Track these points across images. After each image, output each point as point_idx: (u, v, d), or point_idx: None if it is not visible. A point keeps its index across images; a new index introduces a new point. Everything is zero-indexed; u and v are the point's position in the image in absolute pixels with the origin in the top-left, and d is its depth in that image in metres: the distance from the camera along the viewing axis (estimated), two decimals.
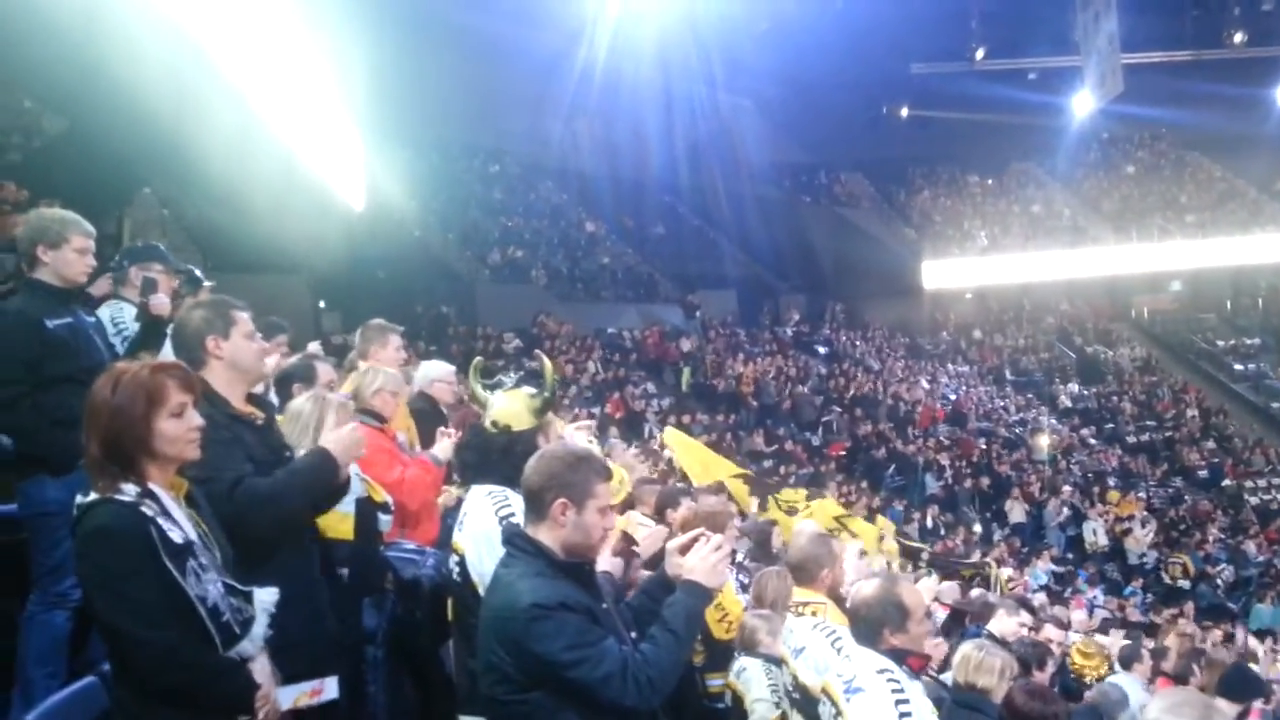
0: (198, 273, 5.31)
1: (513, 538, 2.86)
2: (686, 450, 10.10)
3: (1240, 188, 34.38)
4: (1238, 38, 31.80)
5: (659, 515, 6.18)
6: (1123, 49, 26.83)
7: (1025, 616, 6.99)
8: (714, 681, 4.78)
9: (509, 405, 3.59)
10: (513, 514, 3.19)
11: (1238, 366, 29.90)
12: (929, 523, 17.88)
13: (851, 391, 24.39)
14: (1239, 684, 6.10)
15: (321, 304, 19.74)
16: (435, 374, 5.80)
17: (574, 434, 4.45)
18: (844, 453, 20.84)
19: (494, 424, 3.53)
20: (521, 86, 25.13)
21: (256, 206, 15.86)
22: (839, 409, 23.25)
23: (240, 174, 14.52)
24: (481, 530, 3.28)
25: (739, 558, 5.67)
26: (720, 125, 31.28)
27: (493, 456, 3.46)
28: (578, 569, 2.81)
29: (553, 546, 2.79)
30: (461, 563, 3.32)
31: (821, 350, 27.95)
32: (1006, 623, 6.61)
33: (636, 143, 29.05)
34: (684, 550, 3.00)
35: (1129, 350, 31.30)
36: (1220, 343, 31.39)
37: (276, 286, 17.91)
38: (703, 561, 2.91)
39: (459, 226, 25.15)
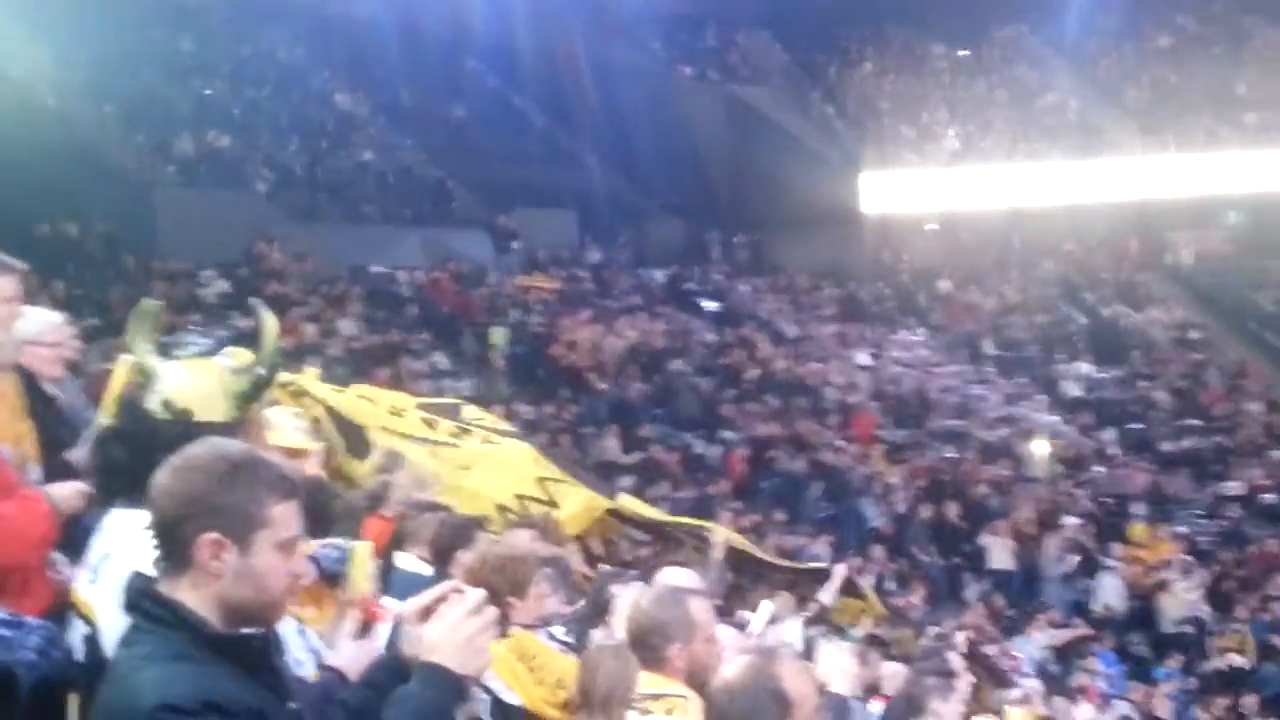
0: None
1: (139, 598, 2.78)
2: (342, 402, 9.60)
3: None
4: None
5: (441, 560, 6.36)
6: None
7: (962, 693, 7.06)
8: None
9: (194, 381, 3.64)
10: None
11: None
12: (871, 574, 18.05)
13: (755, 371, 24.54)
14: None
15: None
16: (30, 330, 5.55)
17: (280, 423, 4.45)
18: (746, 468, 20.99)
19: (165, 404, 3.60)
20: None
21: None
22: (735, 397, 23.37)
23: None
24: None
25: (560, 632, 5.64)
26: None
27: (154, 457, 3.26)
28: (243, 645, 2.76)
29: (202, 610, 2.74)
30: (91, 636, 3.29)
31: (710, 306, 28.17)
32: (947, 711, 6.71)
33: None
34: (424, 615, 2.96)
35: (1164, 313, 32.53)
36: None
37: None
38: (451, 633, 2.91)
39: (124, 95, 24.59)
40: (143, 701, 2.59)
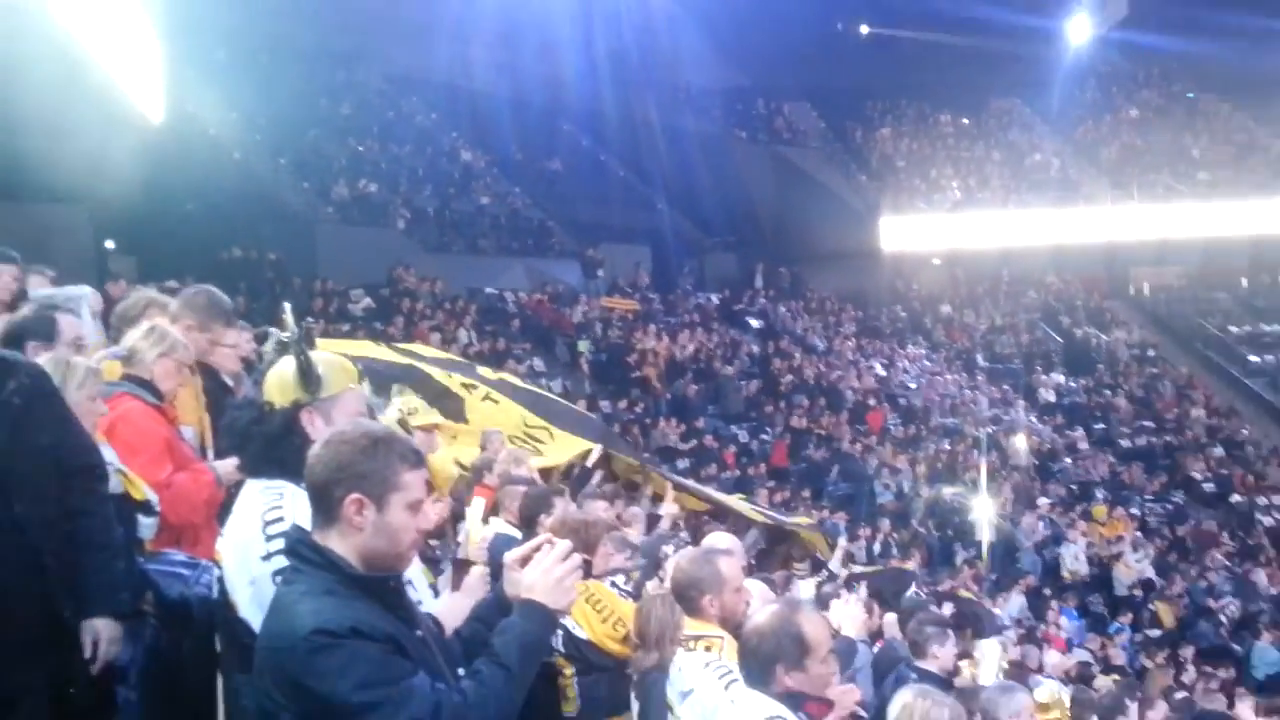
0: None
1: (296, 546, 2.81)
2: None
3: (1264, 140, 35.49)
4: None
5: (526, 526, 6.28)
6: None
7: (953, 643, 7.06)
8: None
9: (279, 372, 3.44)
10: (281, 518, 3.17)
11: (1254, 358, 30.76)
12: (879, 542, 18.12)
13: (790, 377, 24.63)
14: None
15: (109, 244, 19.24)
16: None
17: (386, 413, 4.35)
18: (787, 460, 21.10)
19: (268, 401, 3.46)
20: None
21: (23, 115, 15.27)
22: (773, 397, 23.47)
23: (3, 74, 13.95)
24: (242, 536, 3.24)
25: (622, 582, 5.64)
26: (651, 38, 31.32)
27: (262, 441, 3.39)
28: (380, 585, 2.77)
29: (347, 556, 2.75)
30: (221, 578, 3.31)
31: (755, 324, 28.17)
32: (944, 655, 6.66)
33: (544, 56, 29.00)
34: (524, 562, 2.98)
35: (1126, 335, 32.17)
36: (1234, 329, 32.32)
37: (50, 218, 17.37)
38: (544, 576, 2.90)
39: (294, 149, 24.85)
40: (300, 627, 2.61)
